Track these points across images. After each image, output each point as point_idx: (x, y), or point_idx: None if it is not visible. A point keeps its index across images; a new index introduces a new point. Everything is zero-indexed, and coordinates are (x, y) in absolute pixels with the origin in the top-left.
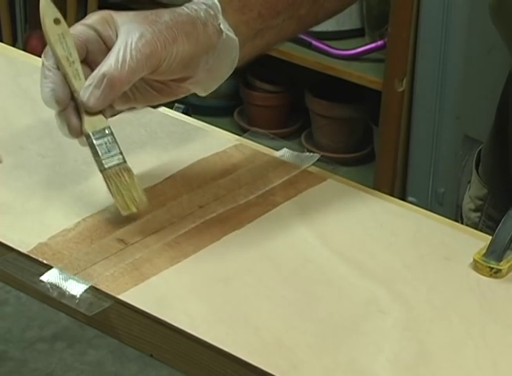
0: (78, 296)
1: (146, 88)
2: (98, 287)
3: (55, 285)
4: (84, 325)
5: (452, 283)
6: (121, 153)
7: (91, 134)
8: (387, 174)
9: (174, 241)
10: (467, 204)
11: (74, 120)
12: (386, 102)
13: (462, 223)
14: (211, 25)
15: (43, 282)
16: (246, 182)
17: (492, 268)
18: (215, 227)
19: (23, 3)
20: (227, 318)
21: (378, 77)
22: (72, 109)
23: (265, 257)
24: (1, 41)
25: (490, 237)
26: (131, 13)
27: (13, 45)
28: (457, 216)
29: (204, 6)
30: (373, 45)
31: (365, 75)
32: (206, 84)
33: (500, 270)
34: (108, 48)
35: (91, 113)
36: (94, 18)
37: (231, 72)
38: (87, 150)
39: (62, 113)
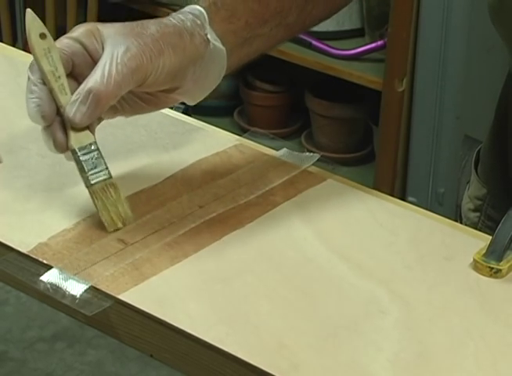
0: (78, 296)
1: (134, 99)
2: (98, 287)
3: (55, 285)
4: (84, 325)
5: (452, 283)
6: (107, 168)
7: (77, 150)
8: (387, 174)
9: (174, 241)
10: (466, 204)
11: (60, 135)
12: (386, 102)
13: (461, 223)
14: (198, 35)
15: (43, 282)
16: (246, 182)
17: (492, 268)
18: (215, 227)
19: (23, 3)
20: (227, 318)
21: (378, 77)
22: (58, 124)
23: (265, 257)
24: (1, 41)
25: (490, 237)
26: (117, 25)
27: (13, 45)
28: (457, 216)
29: (191, 16)
30: (373, 45)
31: (365, 75)
32: (194, 93)
33: (500, 270)
34: (94, 61)
35: (78, 128)
36: (79, 31)
37: (219, 81)
38: None
39: (48, 129)
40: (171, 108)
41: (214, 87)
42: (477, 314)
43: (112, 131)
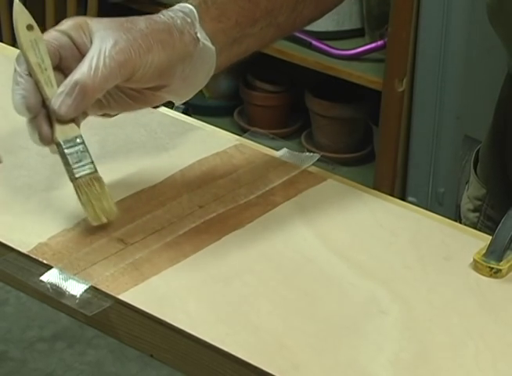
0: (78, 296)
1: (121, 95)
2: (98, 287)
3: (55, 285)
4: (84, 325)
5: (452, 283)
6: (93, 162)
7: (62, 143)
8: (387, 174)
9: (174, 241)
10: (466, 204)
11: (45, 128)
12: (386, 102)
13: (461, 224)
14: (188, 33)
15: (43, 282)
16: (246, 182)
17: (492, 268)
18: (215, 227)
19: (23, 3)
20: (227, 318)
21: (378, 77)
22: (43, 116)
23: (265, 257)
24: (1, 41)
25: (490, 237)
26: (106, 20)
27: (13, 45)
28: (457, 216)
29: (181, 14)
30: (373, 45)
31: (365, 75)
32: (181, 92)
33: (500, 270)
34: (82, 54)
35: (63, 121)
36: (68, 24)
37: (207, 81)
38: None
39: (33, 121)
40: (171, 108)
41: (202, 86)
42: (477, 314)
43: (112, 131)
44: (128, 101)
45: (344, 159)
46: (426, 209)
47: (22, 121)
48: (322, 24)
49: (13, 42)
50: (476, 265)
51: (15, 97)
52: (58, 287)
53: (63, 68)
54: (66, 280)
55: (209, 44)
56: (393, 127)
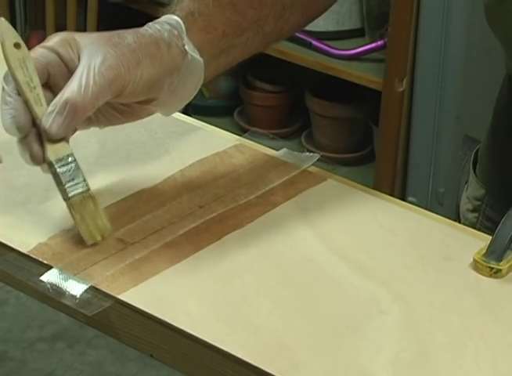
0: (78, 296)
1: (109, 110)
2: (98, 287)
3: (55, 285)
4: (84, 325)
5: (452, 283)
6: (85, 180)
7: (54, 162)
8: (387, 174)
9: (174, 241)
10: (465, 204)
11: (36, 147)
12: (386, 102)
13: (460, 224)
14: (175, 46)
15: (43, 282)
16: (246, 182)
17: (492, 268)
18: (215, 227)
19: (23, 3)
20: (227, 318)
21: (378, 77)
22: (34, 136)
23: (265, 257)
24: None
25: (490, 237)
26: (93, 35)
27: None
28: (457, 216)
29: (168, 26)
30: (373, 45)
31: (365, 75)
32: (170, 105)
33: (500, 270)
34: (70, 70)
35: (54, 140)
36: (55, 40)
37: (195, 93)
38: (87, 151)
39: (23, 140)
40: None
41: (190, 98)
42: (477, 314)
43: (112, 131)
44: (116, 115)
45: (344, 159)
46: (426, 209)
47: None
48: (322, 24)
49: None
50: (476, 265)
51: (4, 117)
52: (58, 287)
53: (51, 85)
54: (66, 280)
55: (197, 56)
56: (393, 127)
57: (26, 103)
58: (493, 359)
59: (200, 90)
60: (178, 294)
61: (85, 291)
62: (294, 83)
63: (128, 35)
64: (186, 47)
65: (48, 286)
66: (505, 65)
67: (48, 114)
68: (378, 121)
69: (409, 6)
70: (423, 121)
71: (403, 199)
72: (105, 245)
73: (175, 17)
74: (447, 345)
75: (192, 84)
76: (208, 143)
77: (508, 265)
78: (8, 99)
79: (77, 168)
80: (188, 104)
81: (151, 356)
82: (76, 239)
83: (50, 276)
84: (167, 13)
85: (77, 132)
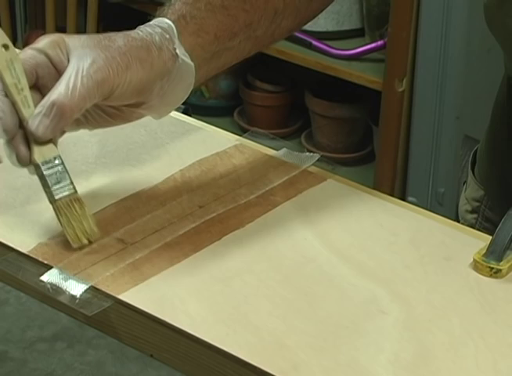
0: (78, 296)
1: (99, 113)
2: (98, 287)
3: (55, 285)
4: (84, 325)
5: (452, 284)
6: (72, 182)
7: (40, 164)
8: (387, 174)
9: (174, 241)
10: (464, 205)
11: (23, 149)
12: (386, 102)
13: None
14: (167, 50)
15: (43, 282)
16: (246, 182)
17: (492, 268)
18: (215, 227)
19: (23, 3)
20: (227, 318)
21: (378, 77)
22: (21, 137)
23: (265, 257)
24: None
25: (490, 237)
26: (83, 37)
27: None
28: (457, 216)
29: (159, 30)
30: (373, 45)
31: (365, 75)
32: (160, 109)
33: (500, 270)
34: (59, 72)
35: (41, 142)
36: (44, 42)
37: (186, 96)
38: (87, 151)
39: (10, 142)
40: None
41: (180, 103)
42: (477, 314)
43: (112, 131)
44: (106, 118)
45: (344, 159)
46: (426, 209)
47: None
48: (322, 24)
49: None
50: (476, 265)
51: None
52: (58, 287)
53: (39, 87)
54: (66, 280)
55: (188, 60)
56: (393, 127)
57: (13, 104)
58: (493, 359)
59: (200, 90)
60: (178, 294)
61: (85, 291)
62: (294, 83)
63: (119, 38)
64: (177, 51)
65: (48, 286)
66: (504, 65)
67: (35, 116)
68: (378, 121)
69: (409, 6)
70: (423, 121)
71: (403, 199)
72: (105, 245)
73: (167, 20)
74: (447, 345)
75: (183, 88)
76: (208, 143)
77: (508, 265)
78: None
79: (64, 170)
80: (188, 104)
81: (151, 356)
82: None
83: (50, 276)
84: (158, 16)
85: (78, 132)
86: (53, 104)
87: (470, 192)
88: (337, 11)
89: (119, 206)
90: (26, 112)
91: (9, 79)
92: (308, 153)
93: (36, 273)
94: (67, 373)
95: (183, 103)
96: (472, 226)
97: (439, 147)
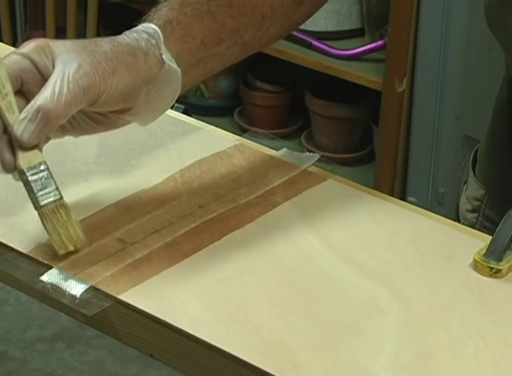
0: (78, 296)
1: (84, 119)
2: (98, 287)
3: (55, 285)
4: (84, 325)
5: (452, 283)
6: (57, 188)
7: (25, 170)
8: (387, 174)
9: (174, 241)
10: (464, 204)
11: (8, 155)
12: (386, 102)
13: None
14: (153, 55)
15: (43, 282)
16: (246, 182)
17: (492, 268)
18: (215, 227)
19: (23, 3)
20: (227, 318)
21: (378, 77)
22: (5, 143)
23: (265, 257)
24: (1, 41)
25: (490, 237)
26: (68, 42)
27: (13, 45)
28: (457, 216)
29: (146, 35)
30: (373, 45)
31: (365, 75)
32: (146, 115)
33: (500, 270)
34: (44, 78)
35: (26, 147)
36: (29, 47)
37: (173, 103)
38: (87, 151)
39: None
40: (171, 108)
41: (167, 109)
42: (477, 314)
43: (112, 131)
44: (91, 124)
45: (344, 159)
46: (426, 209)
47: None
48: (322, 24)
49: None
50: (476, 265)
51: None
52: (58, 287)
53: (24, 92)
54: (66, 280)
55: (174, 65)
56: (393, 127)
57: None
58: (493, 359)
59: (200, 90)
60: (178, 294)
61: (85, 291)
62: (294, 83)
63: (105, 43)
64: (164, 56)
65: (48, 286)
66: (505, 65)
67: (20, 121)
68: (378, 121)
69: (409, 6)
70: (423, 121)
71: (403, 199)
72: (105, 245)
73: (153, 26)
74: (447, 345)
75: (169, 94)
76: (208, 143)
77: (508, 265)
78: None
79: (50, 176)
80: (188, 104)
81: (151, 356)
82: None
83: (50, 276)
84: (144, 22)
85: None
86: (39, 110)
87: (471, 191)
88: (337, 11)
89: (119, 206)
90: (10, 117)
91: None
92: (308, 153)
93: (36, 273)
94: (67, 373)
95: (183, 103)
96: (473, 225)
97: (439, 147)
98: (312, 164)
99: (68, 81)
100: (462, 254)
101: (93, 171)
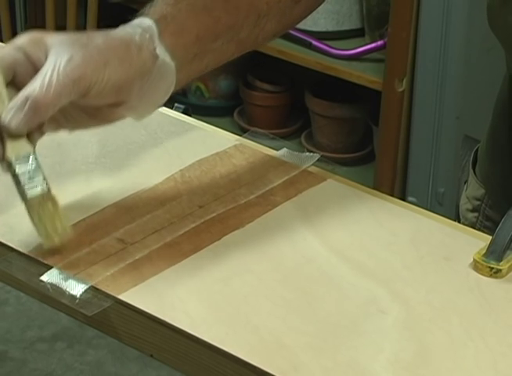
0: (78, 296)
1: (78, 112)
2: (98, 287)
3: (55, 285)
4: (84, 325)
5: (452, 284)
6: (45, 180)
7: (13, 161)
8: (387, 174)
9: (174, 241)
10: (464, 204)
11: None
12: (386, 102)
13: (459, 223)
14: (146, 49)
15: (43, 282)
16: (246, 182)
17: (492, 268)
18: (215, 227)
19: (23, 3)
20: (227, 318)
21: (378, 77)
22: None
23: (265, 257)
24: (1, 41)
25: (490, 237)
26: (62, 35)
27: None
28: (457, 216)
29: (140, 29)
30: (373, 45)
31: (365, 75)
32: (140, 109)
33: (500, 270)
34: (36, 70)
35: (15, 138)
36: (23, 39)
37: (167, 97)
38: (87, 151)
39: None
40: (171, 108)
41: (161, 103)
42: (477, 314)
43: (112, 131)
44: (85, 118)
45: (344, 159)
46: (426, 209)
47: None
48: (322, 24)
49: None
50: (476, 265)
51: None
52: (58, 287)
53: (17, 84)
54: (66, 280)
55: (168, 60)
56: (393, 127)
57: None
58: (493, 359)
59: (200, 90)
60: (178, 294)
61: (85, 291)
62: (294, 83)
63: (98, 36)
64: (158, 51)
65: (48, 286)
66: (506, 65)
67: (9, 110)
68: (378, 121)
69: (409, 6)
70: (423, 121)
71: (403, 199)
72: (105, 245)
73: (148, 20)
74: (447, 345)
75: (163, 88)
76: (208, 143)
77: (508, 265)
78: None
79: (38, 168)
80: (188, 104)
81: (151, 356)
82: (76, 239)
83: (50, 276)
84: (139, 16)
85: (77, 132)
86: (27, 99)
87: (471, 190)
88: (337, 11)
89: (119, 206)
90: (0, 108)
91: None
92: (308, 153)
93: (36, 273)
94: (67, 373)
95: (183, 103)
96: (473, 225)
97: (439, 147)
98: (312, 164)
99: (58, 73)
100: (462, 254)
101: (93, 171)
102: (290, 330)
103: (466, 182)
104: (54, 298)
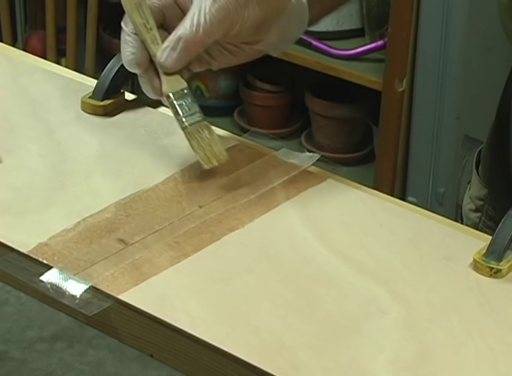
0: (78, 296)
1: (221, 50)
2: (98, 287)
3: (55, 285)
4: (84, 325)
5: (452, 283)
6: (200, 111)
7: (171, 94)
8: (387, 174)
9: (174, 241)
10: (467, 204)
11: (155, 80)
12: (386, 102)
13: (462, 223)
14: None
15: (43, 282)
16: (246, 182)
17: (492, 268)
18: (215, 227)
19: (23, 3)
20: (227, 318)
21: (378, 77)
22: (153, 71)
23: (265, 257)
24: (1, 41)
25: (490, 237)
26: None
27: (13, 45)
28: (457, 216)
29: None
30: (373, 45)
31: (365, 75)
32: (277, 45)
33: (500, 270)
34: (183, 12)
35: (169, 74)
36: None
37: (302, 33)
38: (87, 151)
39: (144, 76)
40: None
41: (297, 38)
42: (477, 314)
43: (112, 131)
44: (227, 55)
45: (344, 159)
46: (426, 209)
47: (22, 121)
48: (322, 24)
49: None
50: (476, 265)
51: (125, 54)
52: (58, 287)
53: (166, 27)
54: (66, 280)
55: None
56: (393, 127)
57: (143, 42)
58: (493, 359)
59: (200, 90)
60: (178, 294)
61: (85, 291)
62: (294, 83)
63: None
64: None
65: (48, 286)
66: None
67: (163, 50)
68: (378, 121)
69: (409, 6)
70: (423, 121)
71: (403, 199)
72: (105, 245)
73: None
74: (447, 345)
75: (299, 24)
76: None
77: (508, 265)
78: (127, 38)
79: (193, 100)
80: None
81: (151, 356)
82: (76, 239)
83: (50, 276)
84: None
85: (78, 132)
86: (179, 39)
87: (474, 191)
88: (337, 11)
89: (119, 206)
90: (155, 48)
91: (138, 20)
92: (308, 153)
93: (36, 273)
94: (67, 373)
95: None
96: (476, 225)
97: (439, 147)
98: (312, 164)
99: (205, 13)
100: (462, 254)
101: (93, 171)
102: (290, 330)
103: (469, 182)
104: (54, 298)
